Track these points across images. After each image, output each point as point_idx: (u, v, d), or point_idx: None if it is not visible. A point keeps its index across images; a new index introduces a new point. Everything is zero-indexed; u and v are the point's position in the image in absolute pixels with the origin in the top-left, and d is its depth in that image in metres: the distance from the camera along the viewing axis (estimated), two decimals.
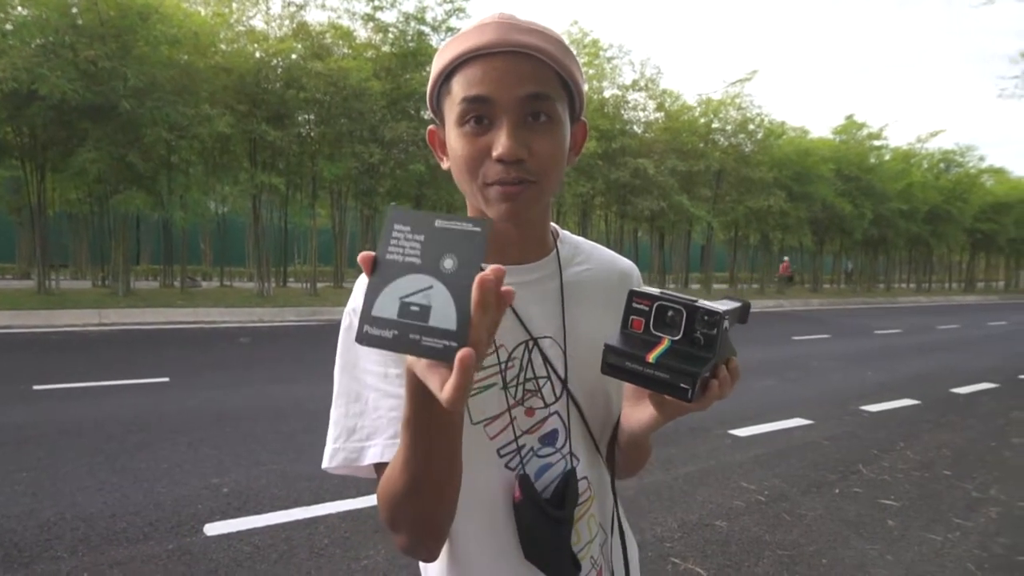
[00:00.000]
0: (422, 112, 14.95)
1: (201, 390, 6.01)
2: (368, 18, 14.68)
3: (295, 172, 15.09)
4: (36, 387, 5.74)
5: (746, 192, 21.39)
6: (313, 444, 4.21)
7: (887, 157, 27.01)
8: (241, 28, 13.84)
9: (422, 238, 0.55)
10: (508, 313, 0.83)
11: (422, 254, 0.55)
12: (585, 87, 0.85)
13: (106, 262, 14.99)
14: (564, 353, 0.85)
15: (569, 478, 0.82)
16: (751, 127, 21.45)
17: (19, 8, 10.96)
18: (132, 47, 11.24)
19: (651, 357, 0.67)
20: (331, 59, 13.48)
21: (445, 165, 0.84)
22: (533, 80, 0.75)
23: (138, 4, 10.99)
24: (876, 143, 26.22)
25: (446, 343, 0.52)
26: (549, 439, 0.84)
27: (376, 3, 14.37)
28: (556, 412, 0.84)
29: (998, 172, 32.55)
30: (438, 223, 0.55)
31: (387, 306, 0.54)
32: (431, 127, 0.86)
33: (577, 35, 18.03)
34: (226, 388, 6.16)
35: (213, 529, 3.15)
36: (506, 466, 0.82)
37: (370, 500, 3.46)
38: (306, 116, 14.39)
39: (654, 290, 0.70)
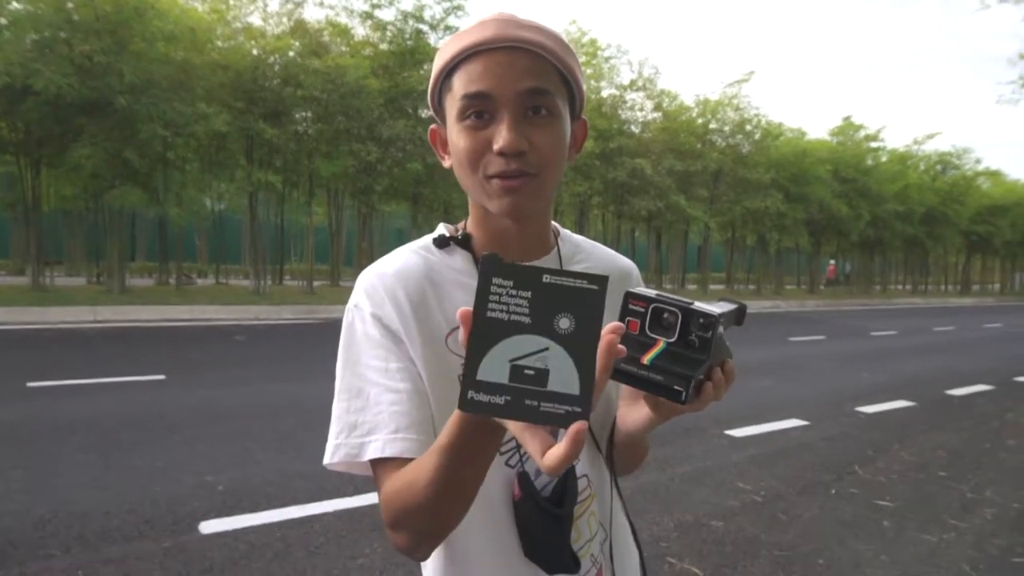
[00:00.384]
0: (420, 110, 14.93)
1: (197, 388, 5.99)
2: (366, 16, 14.66)
3: (292, 170, 15.07)
4: (30, 384, 5.72)
5: (743, 193, 21.42)
6: (309, 442, 4.20)
7: (884, 159, 27.09)
8: (238, 25, 13.80)
9: (529, 295, 0.51)
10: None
11: (532, 312, 0.51)
12: (585, 84, 0.85)
13: (101, 259, 14.96)
14: None
15: (568, 476, 0.82)
16: (748, 128, 21.49)
17: (14, 3, 10.92)
18: (128, 43, 11.20)
19: (645, 359, 0.66)
20: (329, 57, 13.45)
21: (447, 163, 0.84)
22: (533, 75, 0.75)
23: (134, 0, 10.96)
24: (873, 145, 26.30)
25: (568, 408, 0.50)
26: None
27: (374, 1, 14.34)
28: None
29: (994, 174, 32.66)
30: (547, 279, 0.52)
31: (495, 369, 0.51)
32: (432, 126, 0.86)
33: (575, 34, 18.03)
34: (222, 386, 6.15)
35: (208, 527, 3.14)
36: (506, 464, 0.82)
37: (366, 499, 3.46)
38: (303, 114, 14.36)
39: (650, 292, 0.69)
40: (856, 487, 4.18)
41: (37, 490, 3.47)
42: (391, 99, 14.47)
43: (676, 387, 0.65)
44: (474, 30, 0.77)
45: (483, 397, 0.51)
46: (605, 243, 1.00)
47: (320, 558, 2.91)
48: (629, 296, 0.70)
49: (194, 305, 11.79)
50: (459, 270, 0.84)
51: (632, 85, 19.28)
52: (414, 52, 14.89)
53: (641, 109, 20.23)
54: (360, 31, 15.18)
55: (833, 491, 4.09)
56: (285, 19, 14.14)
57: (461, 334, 0.53)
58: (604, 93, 18.72)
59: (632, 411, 0.78)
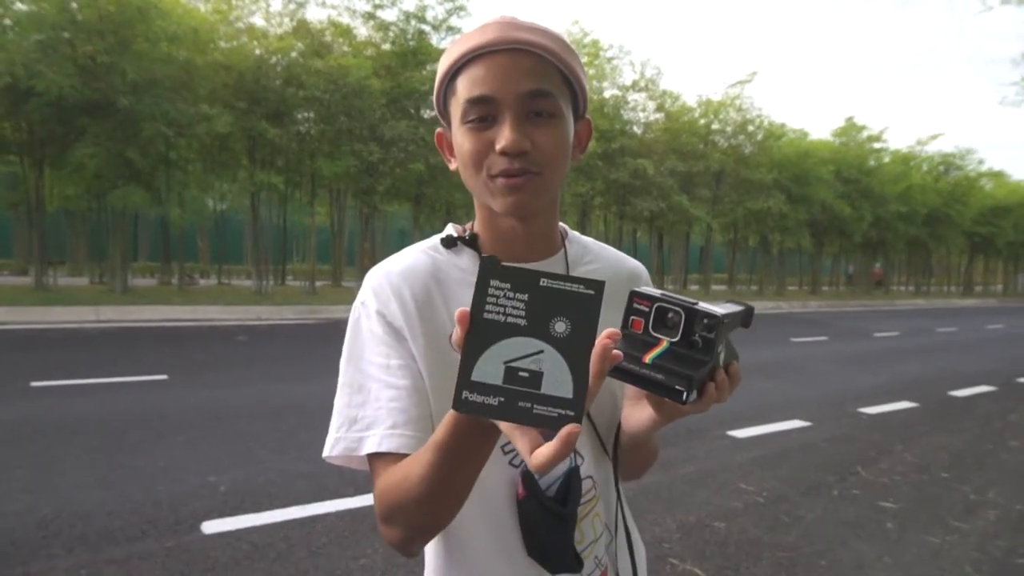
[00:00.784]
0: (422, 111, 14.95)
1: (199, 388, 6.00)
2: (368, 16, 14.69)
3: (294, 170, 15.09)
4: (33, 384, 5.73)
5: (745, 193, 21.41)
6: (311, 442, 4.20)
7: (887, 160, 27.08)
8: (241, 25, 13.82)
9: (526, 298, 0.52)
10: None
11: (528, 315, 0.52)
12: (588, 85, 0.85)
13: (104, 259, 14.98)
14: None
15: (572, 476, 0.82)
16: (751, 128, 21.50)
17: (18, 3, 10.94)
18: (131, 43, 11.22)
19: (648, 358, 0.66)
20: (331, 57, 13.47)
21: (453, 166, 0.85)
22: (534, 76, 0.76)
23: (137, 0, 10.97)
24: (876, 145, 26.32)
25: (561, 412, 0.50)
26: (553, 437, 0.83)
27: (376, 1, 14.38)
28: None
29: (997, 175, 32.65)
30: (544, 282, 0.52)
31: (490, 371, 0.51)
32: (439, 130, 0.87)
33: (578, 35, 18.04)
34: (224, 386, 6.15)
35: (211, 527, 3.14)
36: (510, 463, 0.82)
37: (368, 499, 3.46)
38: (306, 114, 14.38)
39: (655, 291, 0.69)
40: (859, 488, 4.18)
41: (40, 490, 3.48)
42: (393, 99, 14.49)
43: (678, 387, 0.65)
44: (476, 34, 0.77)
45: (477, 398, 0.51)
46: (607, 244, 1.00)
47: (322, 558, 2.91)
48: (634, 295, 0.69)
49: (196, 305, 11.81)
50: (465, 269, 0.85)
51: (634, 86, 19.29)
52: (416, 52, 14.91)
53: (643, 110, 20.25)
54: (362, 31, 15.23)
55: (836, 492, 4.09)
56: (287, 19, 14.17)
57: (457, 333, 0.53)
58: (606, 94, 18.73)
59: (636, 412, 0.78)
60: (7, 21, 10.74)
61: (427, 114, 14.94)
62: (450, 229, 0.88)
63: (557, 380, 0.51)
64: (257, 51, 13.46)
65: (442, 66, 0.80)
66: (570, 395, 0.51)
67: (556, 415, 0.51)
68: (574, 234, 0.94)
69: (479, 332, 0.52)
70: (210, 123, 11.73)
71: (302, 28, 14.18)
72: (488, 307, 0.52)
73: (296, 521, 3.25)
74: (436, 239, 0.88)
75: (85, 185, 13.77)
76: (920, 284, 33.86)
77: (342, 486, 3.64)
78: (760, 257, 26.35)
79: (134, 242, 18.91)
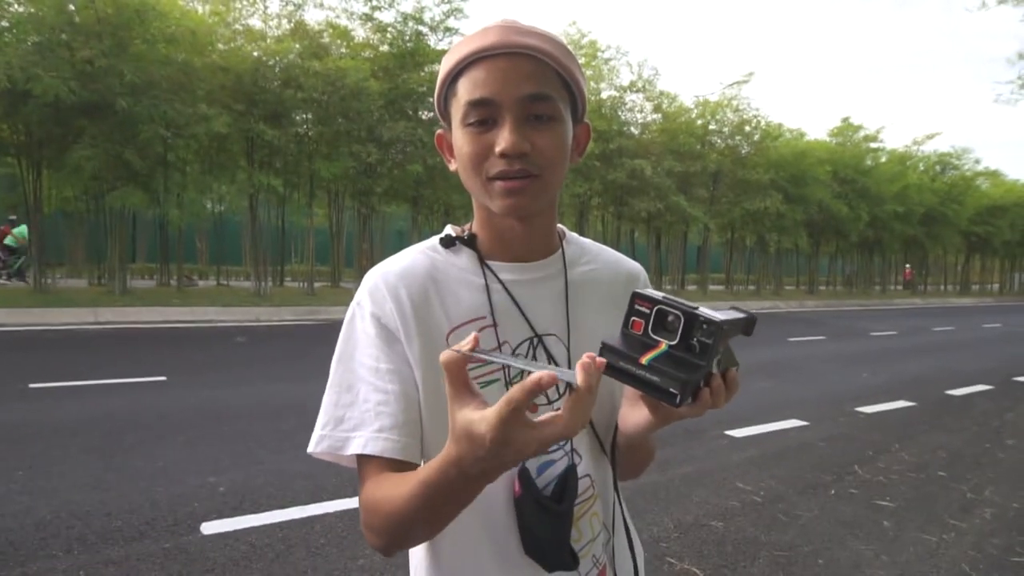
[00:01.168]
0: (420, 112, 14.95)
1: (198, 389, 6.00)
2: (366, 18, 14.68)
3: (292, 171, 15.08)
4: (32, 385, 5.73)
5: (742, 193, 21.43)
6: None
7: (883, 159, 27.11)
8: (238, 27, 13.82)
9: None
10: (513, 310, 0.84)
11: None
12: (586, 88, 0.86)
13: (102, 260, 14.96)
14: (568, 351, 0.86)
15: (569, 474, 0.82)
16: (748, 129, 21.51)
17: (15, 6, 10.93)
18: (128, 44, 11.22)
19: (644, 359, 0.67)
20: (329, 59, 13.47)
21: (453, 167, 0.86)
22: (534, 80, 0.77)
23: (135, 1, 10.96)
24: (872, 145, 26.33)
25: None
26: None
27: (374, 3, 14.37)
28: (559, 409, 0.85)
29: (993, 175, 32.68)
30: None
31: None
32: (439, 131, 0.88)
33: (575, 36, 18.06)
34: (223, 387, 6.16)
35: (210, 528, 3.15)
36: None
37: None
38: (304, 115, 14.38)
39: (657, 293, 0.70)
40: (856, 487, 4.19)
41: (39, 491, 3.48)
42: (391, 101, 14.49)
43: (671, 390, 0.65)
44: (477, 37, 0.78)
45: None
46: (605, 244, 1.01)
47: (321, 559, 2.92)
48: (636, 296, 0.70)
49: (195, 306, 11.80)
50: (464, 269, 0.86)
51: (632, 86, 19.30)
52: (414, 54, 14.91)
53: (640, 110, 20.27)
54: (360, 33, 15.21)
55: (833, 491, 4.10)
56: (285, 21, 14.17)
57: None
58: (604, 94, 18.75)
59: (632, 412, 0.79)
60: (4, 23, 10.73)
61: (425, 115, 14.95)
62: (449, 229, 0.89)
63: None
64: (255, 53, 13.46)
65: (444, 68, 0.81)
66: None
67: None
68: (572, 235, 0.95)
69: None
70: (208, 123, 11.72)
71: (300, 30, 14.18)
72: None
73: (295, 522, 3.26)
74: (435, 239, 0.89)
75: (83, 187, 13.78)
76: (916, 283, 33.91)
77: (340, 487, 3.65)
78: (757, 257, 26.37)
79: (132, 243, 18.89)
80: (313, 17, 28.13)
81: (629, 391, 0.80)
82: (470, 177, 0.81)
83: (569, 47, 0.82)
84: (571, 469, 0.83)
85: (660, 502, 3.76)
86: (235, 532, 3.12)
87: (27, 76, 9.81)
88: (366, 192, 15.17)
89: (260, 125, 12.79)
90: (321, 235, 18.91)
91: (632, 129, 19.82)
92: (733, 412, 5.69)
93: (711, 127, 21.32)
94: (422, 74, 14.58)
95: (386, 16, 14.73)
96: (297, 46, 13.60)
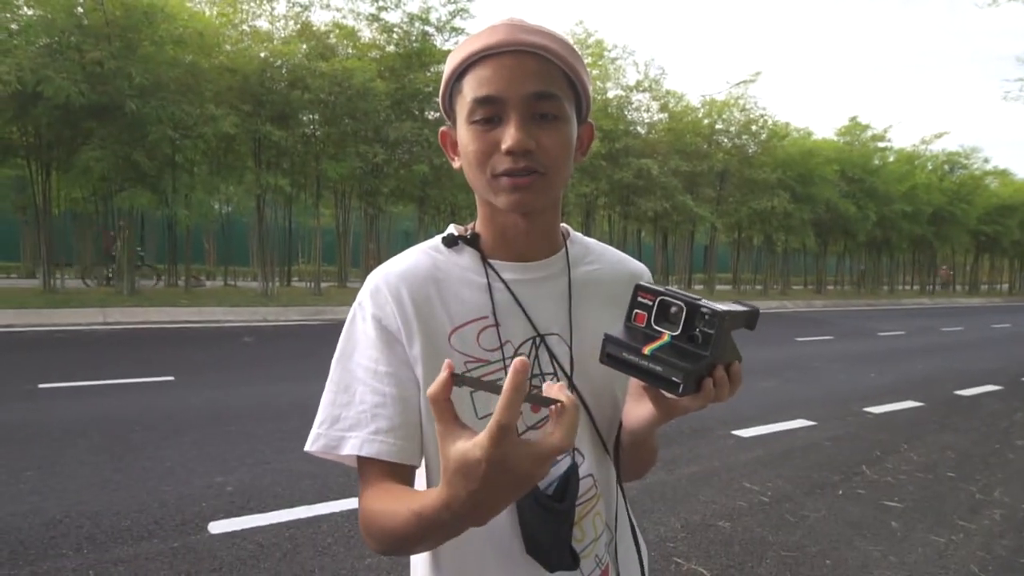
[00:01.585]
0: (426, 112, 14.98)
1: (205, 389, 6.02)
2: (373, 18, 14.71)
3: (299, 172, 15.13)
4: (41, 385, 5.76)
5: (749, 193, 21.37)
6: None
7: (891, 159, 26.96)
8: (246, 28, 13.87)
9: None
10: (516, 309, 0.84)
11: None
12: (591, 88, 0.87)
13: (111, 261, 15.04)
14: (570, 350, 0.86)
15: (571, 474, 0.82)
16: (755, 128, 21.44)
17: (24, 9, 11.00)
18: (137, 46, 11.27)
19: (647, 350, 0.68)
20: (335, 59, 13.50)
21: (457, 165, 0.86)
22: (540, 78, 0.77)
23: (143, 3, 11.02)
24: (880, 144, 26.18)
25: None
26: None
27: (381, 3, 14.39)
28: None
29: (1003, 174, 32.46)
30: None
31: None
32: (443, 128, 0.88)
33: (582, 35, 18.03)
34: (230, 387, 6.18)
35: (217, 527, 3.16)
36: None
37: None
38: (310, 116, 14.41)
39: (660, 286, 0.71)
40: (864, 488, 4.17)
41: (48, 491, 3.50)
42: (397, 101, 14.51)
43: (674, 378, 0.66)
44: (484, 35, 0.79)
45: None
46: (611, 244, 1.00)
47: (328, 558, 2.92)
48: (639, 289, 0.71)
49: (202, 307, 11.85)
50: (466, 267, 0.86)
51: (638, 86, 19.27)
52: (420, 54, 14.94)
53: (647, 110, 20.24)
54: (367, 33, 15.24)
55: (841, 492, 4.08)
56: (292, 22, 14.21)
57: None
58: (610, 94, 18.72)
59: (636, 407, 0.79)
60: (14, 26, 10.80)
61: (431, 115, 14.97)
62: (451, 229, 0.90)
63: None
64: (262, 54, 13.51)
65: (449, 65, 0.81)
66: None
67: None
68: (576, 234, 0.95)
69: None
70: (216, 124, 11.77)
71: (306, 31, 14.22)
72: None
73: (302, 521, 3.27)
74: (438, 239, 0.89)
75: (92, 188, 13.86)
76: (925, 283, 33.74)
77: (347, 486, 3.65)
78: (764, 256, 26.28)
79: (141, 244, 19.00)
80: (320, 18, 28.21)
81: (633, 387, 0.80)
82: (475, 174, 0.81)
83: (575, 46, 0.82)
84: (573, 468, 0.83)
85: (667, 502, 3.75)
86: (243, 531, 3.13)
87: (38, 78, 9.87)
88: (373, 192, 15.20)
89: (267, 126, 12.83)
90: (328, 235, 18.98)
91: (638, 128, 19.78)
92: (740, 412, 5.68)
93: (718, 126, 21.26)
94: (428, 74, 14.61)
95: (392, 16, 14.77)
96: (304, 47, 13.64)
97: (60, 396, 5.53)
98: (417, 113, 14.89)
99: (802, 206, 21.85)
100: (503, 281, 0.85)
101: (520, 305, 0.84)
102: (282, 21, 14.18)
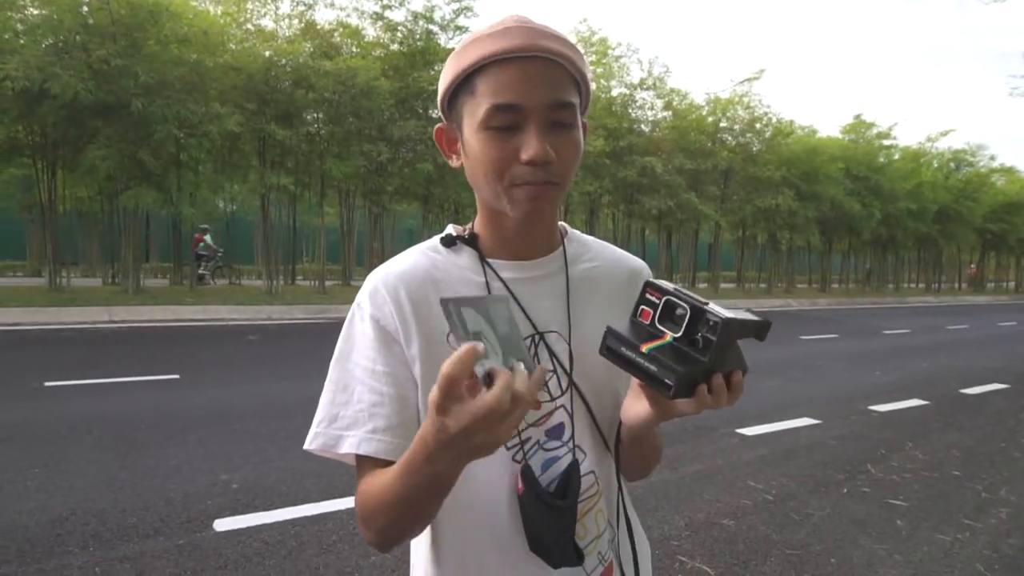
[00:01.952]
0: (430, 111, 14.98)
1: (210, 387, 6.04)
2: (377, 17, 14.72)
3: (304, 171, 15.15)
4: (47, 384, 5.79)
5: (754, 191, 21.32)
6: None
7: (896, 156, 26.87)
8: (250, 27, 13.89)
9: (515, 331, 0.66)
10: (514, 307, 0.85)
11: (503, 336, 0.64)
12: (593, 86, 0.87)
13: (116, 260, 15.10)
14: (569, 348, 0.86)
15: (572, 471, 0.83)
16: (759, 126, 21.39)
17: (31, 9, 11.04)
18: (142, 45, 11.31)
19: (645, 348, 0.67)
20: (340, 58, 13.51)
21: (454, 163, 0.86)
22: (559, 87, 0.77)
23: (149, 2, 11.05)
24: (885, 142, 26.10)
25: None
26: (555, 432, 0.85)
27: (385, 2, 14.40)
28: (562, 405, 0.85)
29: (1009, 171, 32.32)
30: (527, 340, 0.70)
31: (475, 322, 0.62)
32: (439, 125, 0.87)
33: (586, 33, 18.01)
34: (235, 385, 6.20)
35: (223, 525, 3.17)
36: (512, 459, 0.83)
37: None
38: (315, 115, 14.44)
39: (669, 285, 0.70)
40: (869, 486, 4.16)
41: (54, 488, 3.52)
42: (401, 100, 14.52)
43: (667, 381, 0.66)
44: (499, 36, 0.77)
45: (457, 315, 0.60)
46: (615, 242, 1.01)
47: (332, 556, 2.93)
48: (647, 285, 0.71)
49: (208, 305, 11.88)
50: (464, 267, 0.86)
51: (642, 84, 19.24)
52: (424, 52, 14.94)
53: (651, 108, 20.21)
54: (371, 32, 15.25)
55: (845, 490, 4.07)
56: (296, 21, 14.23)
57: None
58: (614, 92, 18.69)
59: (634, 404, 0.79)
60: (19, 26, 10.84)
61: (435, 114, 14.97)
62: (450, 229, 0.90)
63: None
64: (266, 53, 13.53)
65: (460, 62, 0.79)
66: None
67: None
68: (574, 232, 0.95)
69: (492, 303, 0.65)
70: (221, 122, 11.79)
71: (311, 30, 14.24)
72: (498, 306, 0.65)
73: (307, 519, 3.28)
74: (436, 239, 0.89)
75: (97, 187, 13.92)
76: (931, 281, 33.62)
77: (351, 484, 3.61)
78: (769, 255, 26.22)
79: (145, 243, 19.06)
80: (324, 17, 28.29)
81: (633, 383, 0.80)
82: (488, 181, 0.79)
83: (578, 45, 0.82)
84: (573, 465, 0.83)
85: (671, 500, 3.75)
86: (248, 529, 3.14)
87: (45, 76, 9.90)
88: (377, 191, 15.22)
89: (272, 125, 12.85)
90: (332, 234, 19.01)
91: (643, 127, 19.75)
92: (744, 410, 5.67)
93: (722, 124, 21.21)
94: (432, 73, 14.60)
95: (396, 15, 14.80)
96: (308, 46, 13.66)
97: (66, 394, 5.55)
98: (421, 111, 14.90)
99: (807, 204, 21.78)
100: (501, 280, 0.85)
101: (519, 303, 0.84)
102: (286, 20, 14.22)
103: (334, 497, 3.52)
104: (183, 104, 11.42)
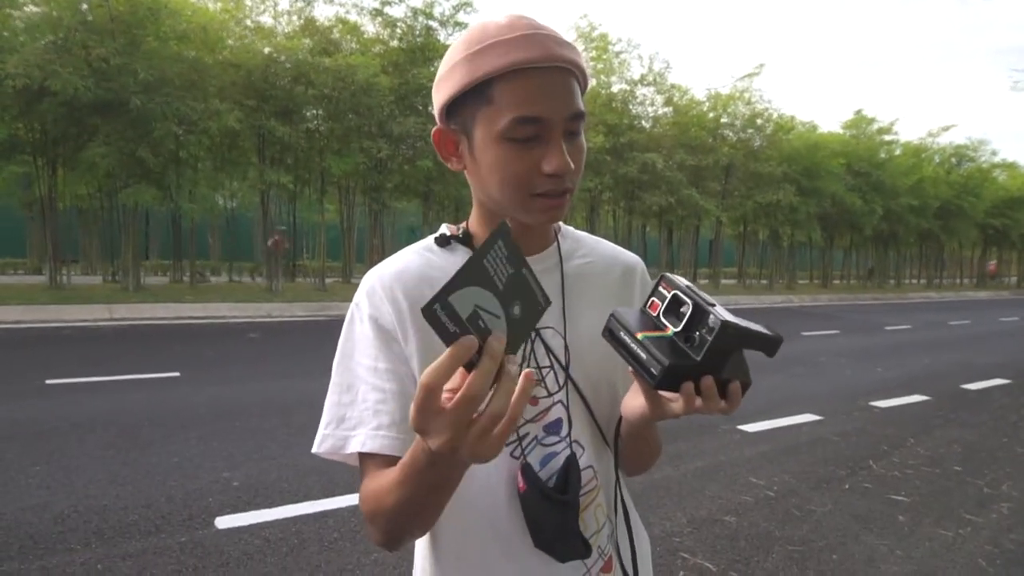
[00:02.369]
0: (430, 107, 14.90)
1: (211, 385, 6.04)
2: (376, 13, 14.70)
3: (303, 168, 15.15)
4: (49, 381, 5.80)
5: (755, 187, 21.31)
6: None
7: (897, 152, 26.87)
8: (249, 24, 13.87)
9: (511, 271, 0.57)
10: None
11: (504, 284, 0.56)
12: (592, 82, 0.86)
13: (116, 257, 15.11)
14: (565, 343, 0.86)
15: (570, 465, 0.83)
16: (760, 121, 21.37)
17: (31, 7, 11.03)
18: (141, 42, 11.30)
19: (640, 335, 0.68)
20: (339, 55, 13.49)
21: (454, 166, 0.85)
22: (575, 97, 0.78)
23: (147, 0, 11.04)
24: (886, 138, 26.09)
25: None
26: (553, 428, 0.85)
27: None
28: (559, 401, 0.85)
29: (1011, 166, 32.30)
30: (525, 271, 0.59)
31: (463, 304, 0.53)
32: (438, 128, 0.84)
33: (586, 29, 17.96)
34: (236, 383, 6.20)
35: (224, 522, 3.17)
36: (510, 455, 0.83)
37: None
38: (314, 112, 14.42)
39: (683, 281, 0.71)
40: (870, 482, 4.16)
41: (57, 486, 3.52)
42: (401, 96, 14.50)
43: (652, 369, 0.66)
44: (518, 45, 0.75)
45: (443, 316, 0.52)
46: (616, 239, 1.00)
47: (334, 553, 2.93)
48: (662, 278, 0.72)
49: (207, 303, 11.89)
50: (459, 265, 0.86)
51: (643, 80, 19.21)
52: (424, 49, 14.91)
53: (652, 104, 20.20)
54: (370, 28, 15.24)
55: (847, 486, 4.07)
56: (295, 17, 14.21)
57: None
58: (615, 88, 18.66)
59: (632, 400, 0.79)
60: (20, 24, 10.83)
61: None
62: (444, 228, 0.90)
63: None
64: (266, 49, 13.51)
65: (472, 68, 0.76)
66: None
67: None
68: (567, 229, 0.95)
69: (475, 267, 0.54)
70: (220, 118, 11.79)
71: (310, 26, 14.22)
72: (488, 257, 0.55)
73: (308, 516, 3.28)
74: (431, 239, 0.90)
75: (97, 184, 13.92)
76: (932, 277, 33.61)
77: (353, 482, 3.66)
78: (770, 250, 26.22)
79: (145, 240, 19.07)
80: (323, 13, 28.20)
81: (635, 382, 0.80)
82: (509, 191, 0.78)
83: (579, 41, 0.81)
84: (572, 459, 0.84)
85: (672, 497, 3.75)
86: (249, 527, 3.14)
87: (45, 74, 9.89)
88: (377, 188, 15.21)
89: (271, 121, 12.84)
90: (332, 231, 19.01)
91: (643, 123, 19.74)
92: (745, 406, 5.61)
93: (723, 120, 21.20)
94: (432, 69, 14.57)
95: (396, 11, 14.79)
96: (307, 42, 13.64)
97: (67, 392, 5.55)
98: (421, 108, 14.88)
99: (808, 200, 21.77)
100: None
101: None
102: (285, 16, 14.20)
103: (336, 494, 3.52)
104: (182, 101, 11.42)
